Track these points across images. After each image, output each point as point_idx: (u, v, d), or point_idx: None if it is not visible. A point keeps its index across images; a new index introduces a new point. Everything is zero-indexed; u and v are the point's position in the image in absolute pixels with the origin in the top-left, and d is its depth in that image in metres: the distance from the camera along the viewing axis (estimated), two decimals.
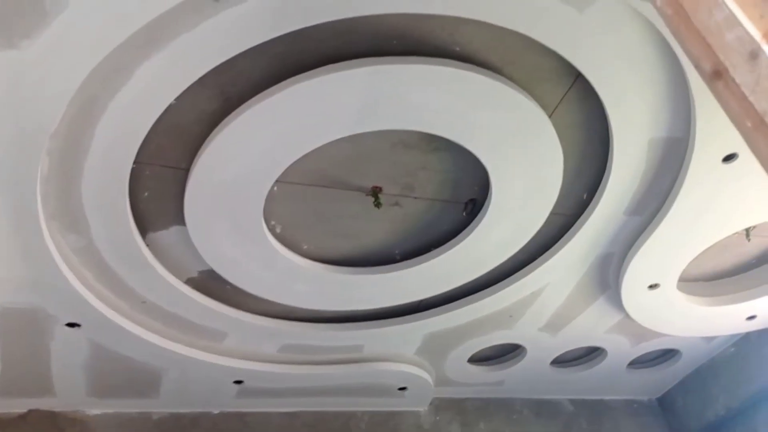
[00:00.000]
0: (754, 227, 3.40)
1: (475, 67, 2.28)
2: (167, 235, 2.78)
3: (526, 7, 2.03)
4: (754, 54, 0.64)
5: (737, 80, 0.65)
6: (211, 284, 3.09)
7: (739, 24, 0.65)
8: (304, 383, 3.84)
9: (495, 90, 2.33)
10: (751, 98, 0.64)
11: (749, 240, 3.48)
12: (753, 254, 3.74)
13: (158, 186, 2.56)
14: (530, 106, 2.42)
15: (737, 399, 4.54)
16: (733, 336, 4.42)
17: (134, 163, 2.35)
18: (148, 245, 2.75)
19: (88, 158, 2.26)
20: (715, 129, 2.53)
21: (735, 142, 2.60)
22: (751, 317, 3.97)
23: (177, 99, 2.17)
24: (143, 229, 2.70)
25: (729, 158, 2.68)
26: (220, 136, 2.31)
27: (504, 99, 2.37)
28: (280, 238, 2.91)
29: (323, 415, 4.17)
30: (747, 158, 2.68)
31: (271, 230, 2.85)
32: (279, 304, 3.25)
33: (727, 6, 0.66)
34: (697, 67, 0.70)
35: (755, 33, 0.64)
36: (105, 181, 2.37)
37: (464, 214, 2.99)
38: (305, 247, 3.02)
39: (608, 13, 2.07)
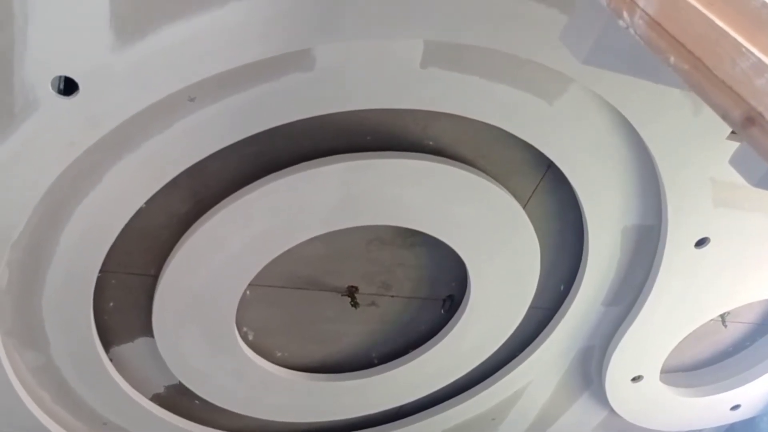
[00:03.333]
0: (729, 313, 3.41)
1: (448, 160, 2.29)
2: (132, 348, 2.62)
3: (497, 100, 2.07)
4: None
5: None
6: (178, 400, 2.90)
7: None
8: None
9: (469, 183, 2.34)
10: None
11: (726, 326, 3.48)
12: (730, 341, 3.73)
13: (124, 295, 2.44)
14: (505, 197, 2.42)
15: None
16: (717, 429, 4.32)
17: (99, 272, 2.24)
18: (111, 360, 2.59)
19: (50, 268, 2.15)
20: (685, 214, 2.57)
21: (706, 226, 2.64)
22: (735, 407, 3.91)
23: (147, 202, 2.11)
24: (107, 343, 2.55)
25: (701, 243, 2.71)
26: (191, 239, 2.23)
27: (478, 191, 2.38)
28: (253, 346, 2.78)
29: None
30: (718, 242, 2.71)
31: (244, 338, 2.72)
32: (251, 419, 3.06)
33: (753, 54, 0.65)
34: (725, 117, 0.68)
35: None
36: (68, 293, 2.24)
37: (442, 311, 2.92)
38: (279, 354, 2.88)
39: (578, 104, 2.13)
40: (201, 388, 2.79)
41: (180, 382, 2.74)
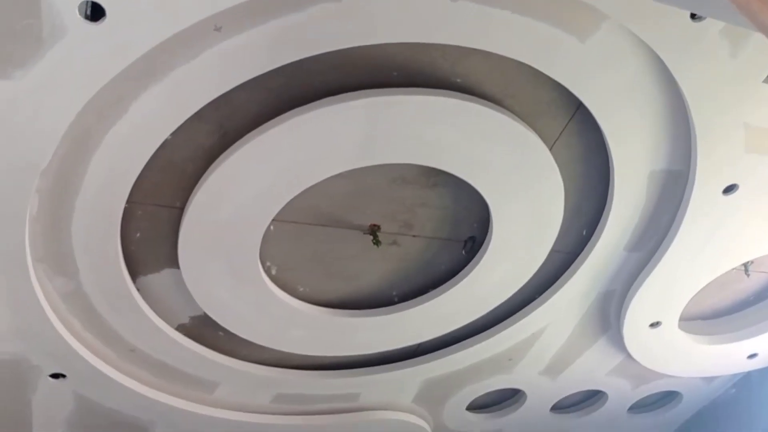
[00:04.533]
0: (752, 262, 3.38)
1: (476, 98, 2.26)
2: (158, 279, 2.68)
3: (529, 36, 2.02)
4: None
5: None
6: (203, 331, 2.98)
7: None
8: None
9: (497, 122, 2.31)
10: None
11: (748, 275, 3.45)
12: (751, 290, 3.71)
13: (151, 226, 2.48)
14: (532, 138, 2.39)
15: None
16: (734, 376, 4.35)
17: (126, 202, 2.27)
18: (138, 289, 2.65)
19: (79, 197, 2.18)
20: (715, 160, 2.52)
21: (736, 172, 2.59)
22: (753, 355, 3.91)
23: (173, 134, 2.11)
24: (134, 273, 2.60)
25: (729, 189, 2.67)
26: (217, 172, 2.25)
27: (505, 131, 2.35)
28: (276, 280, 2.82)
29: None
30: (747, 189, 2.67)
31: (267, 272, 2.76)
32: (273, 351, 3.13)
33: None
34: None
35: None
36: (96, 222, 2.28)
37: (463, 252, 2.93)
38: (301, 289, 2.93)
39: (611, 43, 2.07)
40: (224, 320, 2.85)
41: (204, 313, 2.80)
